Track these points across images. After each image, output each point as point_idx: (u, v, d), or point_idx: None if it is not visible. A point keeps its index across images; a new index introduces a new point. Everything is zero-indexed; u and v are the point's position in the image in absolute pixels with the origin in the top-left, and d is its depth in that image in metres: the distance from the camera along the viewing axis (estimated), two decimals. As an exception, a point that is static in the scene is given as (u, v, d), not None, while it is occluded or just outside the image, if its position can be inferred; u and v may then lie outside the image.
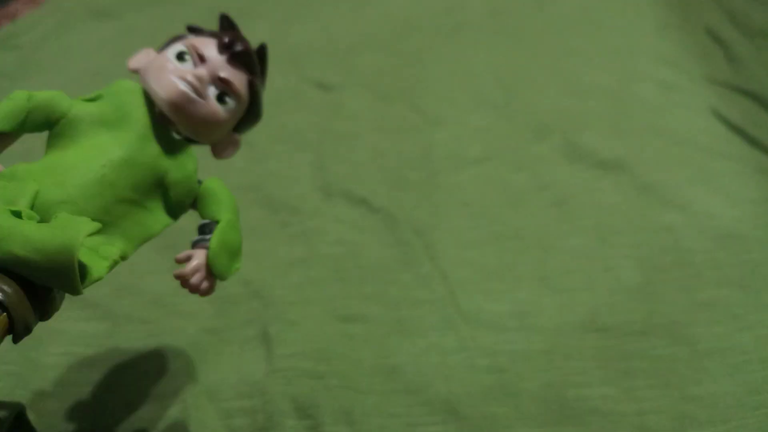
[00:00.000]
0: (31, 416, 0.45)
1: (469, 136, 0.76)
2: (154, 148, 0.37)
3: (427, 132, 0.77)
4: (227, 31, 0.40)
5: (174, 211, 0.38)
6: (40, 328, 0.55)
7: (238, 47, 0.39)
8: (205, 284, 0.37)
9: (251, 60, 0.40)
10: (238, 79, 0.39)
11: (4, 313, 0.29)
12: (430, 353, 0.50)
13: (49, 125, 0.36)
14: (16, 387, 0.50)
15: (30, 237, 0.29)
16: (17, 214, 0.30)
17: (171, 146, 0.38)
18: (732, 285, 0.54)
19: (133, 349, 0.54)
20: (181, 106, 0.37)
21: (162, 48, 0.40)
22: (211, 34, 0.40)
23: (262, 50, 0.42)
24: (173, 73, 0.37)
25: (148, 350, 0.54)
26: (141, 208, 0.36)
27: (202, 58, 0.38)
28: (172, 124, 0.38)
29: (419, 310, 0.54)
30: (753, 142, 0.70)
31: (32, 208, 0.32)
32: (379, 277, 0.58)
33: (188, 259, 0.37)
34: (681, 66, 0.86)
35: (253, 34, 1.18)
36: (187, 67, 0.38)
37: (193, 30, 0.41)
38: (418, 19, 1.08)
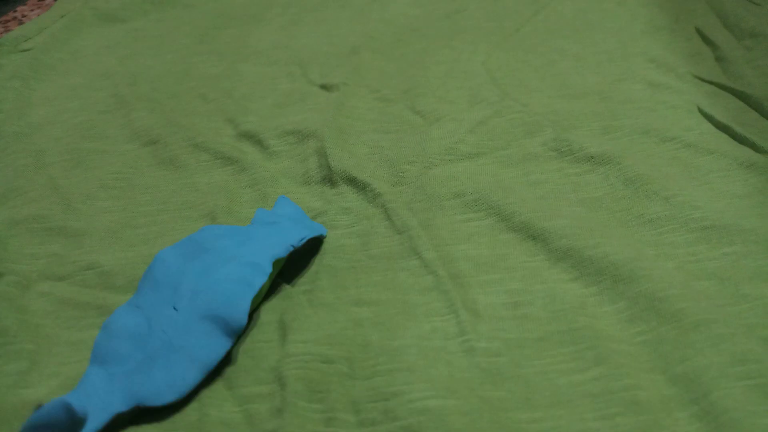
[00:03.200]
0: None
1: (463, 132, 0.78)
2: None
3: (424, 130, 0.80)
4: None
5: None
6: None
7: None
8: None
9: None
10: None
11: None
12: (434, 337, 0.53)
13: None
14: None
15: None
16: None
17: None
18: (712, 278, 0.55)
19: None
20: None
21: None
22: None
23: None
24: None
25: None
26: None
27: None
28: None
29: (426, 296, 0.57)
30: (739, 139, 0.72)
31: None
32: (384, 266, 0.61)
33: None
34: (670, 66, 0.88)
35: (260, 38, 1.22)
36: None
37: None
38: (418, 24, 1.11)
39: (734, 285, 0.55)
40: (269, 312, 0.58)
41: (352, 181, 0.71)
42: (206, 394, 0.51)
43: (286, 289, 0.60)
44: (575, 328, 0.52)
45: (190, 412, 0.49)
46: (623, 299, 0.54)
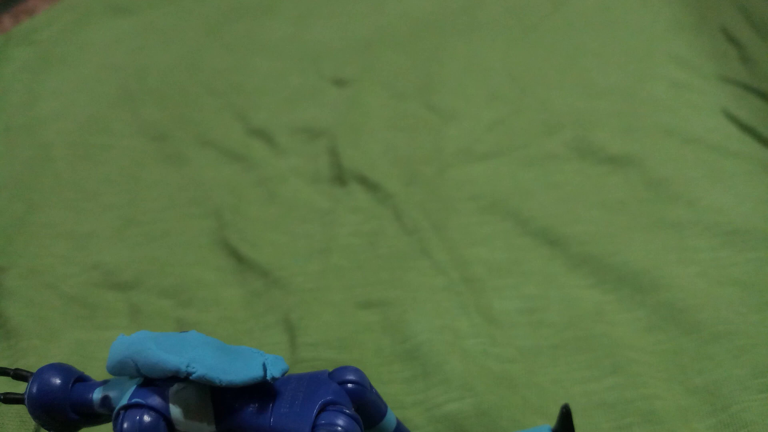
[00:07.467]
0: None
1: (481, 131, 0.77)
2: None
3: (440, 128, 0.78)
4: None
5: None
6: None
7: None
8: None
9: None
10: None
11: None
12: (445, 333, 0.51)
13: None
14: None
15: None
16: None
17: None
18: (735, 284, 0.54)
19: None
20: None
21: None
22: None
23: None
24: None
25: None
26: None
27: None
28: None
29: (436, 296, 0.56)
30: (764, 141, 0.70)
31: None
32: (394, 265, 0.60)
33: None
34: (694, 65, 0.86)
35: (272, 31, 1.20)
36: None
37: None
38: (434, 18, 1.09)
39: (758, 291, 0.53)
40: (274, 311, 0.56)
41: (364, 181, 0.69)
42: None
43: (291, 285, 0.58)
44: (592, 335, 0.51)
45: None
46: (642, 308, 0.53)
